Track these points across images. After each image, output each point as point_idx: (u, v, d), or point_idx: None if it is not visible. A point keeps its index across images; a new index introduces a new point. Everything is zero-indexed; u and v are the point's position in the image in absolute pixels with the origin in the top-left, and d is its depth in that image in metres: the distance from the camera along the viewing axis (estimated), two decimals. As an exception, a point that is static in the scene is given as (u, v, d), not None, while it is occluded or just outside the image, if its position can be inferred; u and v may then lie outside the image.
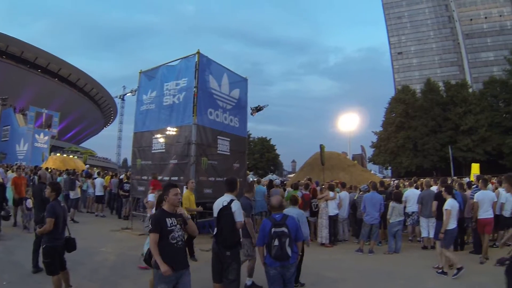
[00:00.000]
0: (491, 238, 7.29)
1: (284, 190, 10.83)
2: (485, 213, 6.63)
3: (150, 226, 3.22)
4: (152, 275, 3.76)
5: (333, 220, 8.56)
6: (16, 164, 20.52)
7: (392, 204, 7.55)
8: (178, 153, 8.84)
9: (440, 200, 6.09)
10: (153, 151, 9.52)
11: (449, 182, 9.43)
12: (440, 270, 5.66)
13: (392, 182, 21.66)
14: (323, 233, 8.34)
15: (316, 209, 8.79)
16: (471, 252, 7.10)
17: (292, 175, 31.50)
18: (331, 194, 8.57)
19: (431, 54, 66.61)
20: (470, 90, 45.72)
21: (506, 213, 6.95)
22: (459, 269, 5.39)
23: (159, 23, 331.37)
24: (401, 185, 14.65)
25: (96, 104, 67.12)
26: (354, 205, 9.17)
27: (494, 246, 7.21)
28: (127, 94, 52.85)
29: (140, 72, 10.55)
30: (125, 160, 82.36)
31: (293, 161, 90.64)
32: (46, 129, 33.57)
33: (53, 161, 25.98)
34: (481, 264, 6.17)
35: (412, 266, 6.42)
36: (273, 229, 3.53)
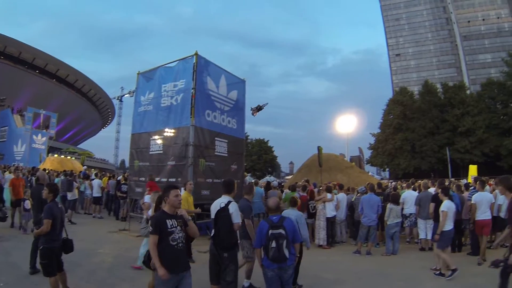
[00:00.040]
0: (489, 239, 7.31)
1: (282, 192, 10.84)
2: (483, 214, 6.66)
3: (146, 228, 3.20)
4: (151, 277, 3.76)
5: (330, 222, 8.56)
6: (14, 165, 20.48)
7: (389, 205, 7.55)
8: (176, 155, 8.83)
9: (437, 201, 6.12)
10: (151, 153, 9.51)
11: (446, 183, 9.46)
12: (438, 272, 5.66)
13: (389, 183, 21.74)
14: (321, 234, 8.33)
15: (314, 211, 8.78)
16: (469, 253, 7.11)
17: (289, 177, 31.54)
18: (329, 195, 8.58)
19: (429, 56, 66.75)
20: (468, 92, 45.84)
21: (503, 215, 6.96)
22: (453, 271, 5.41)
23: (157, 24, 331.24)
24: (399, 186, 14.72)
25: (94, 105, 67.06)
26: (351, 207, 9.18)
27: (492, 247, 7.22)
28: (125, 95, 52.84)
29: (138, 73, 10.55)
30: (123, 162, 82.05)
31: (291, 163, 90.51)
32: (44, 130, 33.55)
33: (50, 162, 25.91)
34: (479, 266, 6.19)
35: (410, 267, 6.43)
36: (270, 231, 3.53)
